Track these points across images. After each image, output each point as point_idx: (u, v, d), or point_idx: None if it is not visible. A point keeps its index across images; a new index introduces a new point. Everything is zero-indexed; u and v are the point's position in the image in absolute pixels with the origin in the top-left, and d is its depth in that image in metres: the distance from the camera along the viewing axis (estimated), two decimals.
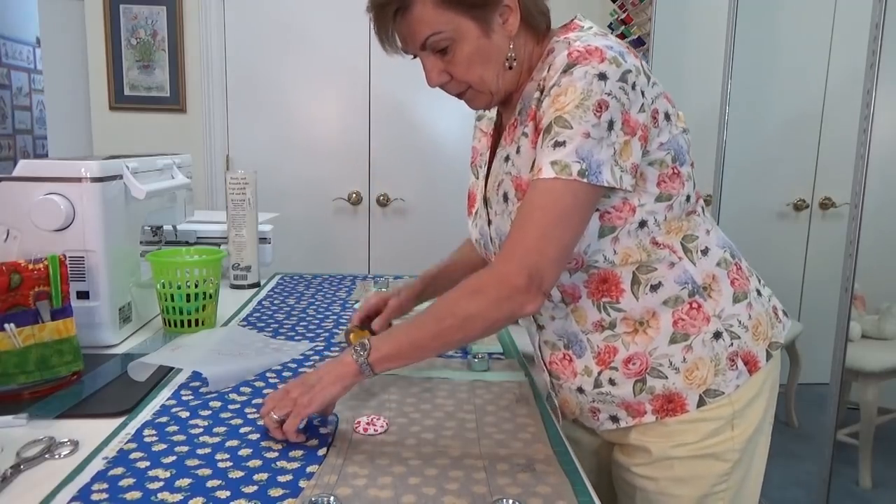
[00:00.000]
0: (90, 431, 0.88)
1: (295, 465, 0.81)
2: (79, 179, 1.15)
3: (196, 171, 2.43)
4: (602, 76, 0.83)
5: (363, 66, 3.02)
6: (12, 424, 0.90)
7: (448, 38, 0.89)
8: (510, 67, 0.92)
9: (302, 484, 0.76)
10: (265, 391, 1.04)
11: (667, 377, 0.93)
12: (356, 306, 1.55)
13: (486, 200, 1.02)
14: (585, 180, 0.82)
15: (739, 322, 0.96)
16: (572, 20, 0.97)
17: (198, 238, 1.82)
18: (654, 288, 0.93)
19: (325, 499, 0.71)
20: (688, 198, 0.95)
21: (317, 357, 1.20)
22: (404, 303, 1.19)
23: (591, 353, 0.96)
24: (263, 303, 1.57)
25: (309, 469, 0.79)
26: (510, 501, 0.72)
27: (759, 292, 1.00)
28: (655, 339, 0.93)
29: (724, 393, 0.94)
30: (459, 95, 0.96)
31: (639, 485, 0.98)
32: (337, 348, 1.25)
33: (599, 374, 0.96)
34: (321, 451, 0.84)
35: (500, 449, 0.86)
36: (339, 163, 3.09)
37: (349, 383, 0.88)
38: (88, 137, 3.01)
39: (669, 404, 0.94)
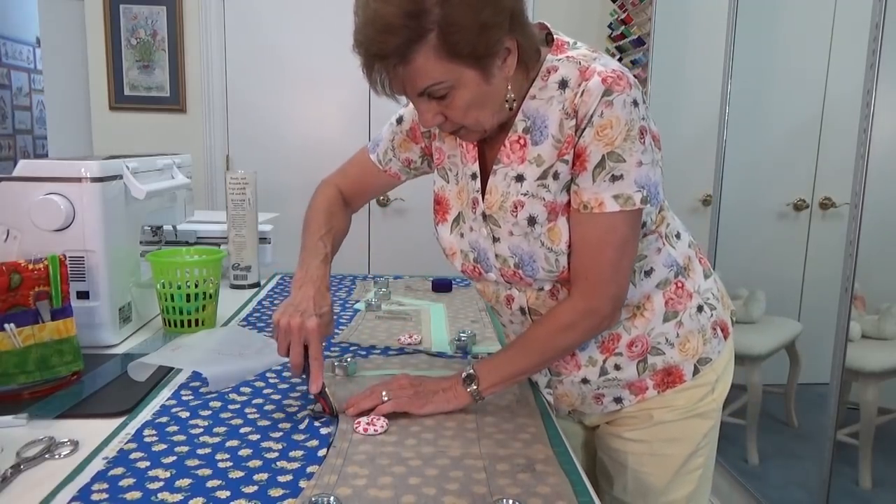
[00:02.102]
0: (90, 431, 0.88)
1: (295, 465, 0.81)
2: (79, 179, 1.15)
3: (196, 171, 2.43)
4: (635, 103, 0.88)
5: None
6: (12, 424, 0.90)
7: (448, 87, 0.86)
8: (510, 108, 0.92)
9: (302, 484, 0.76)
10: (265, 391, 1.04)
11: (664, 353, 1.02)
12: (357, 306, 1.55)
13: (485, 216, 1.00)
14: (649, 206, 0.90)
15: (713, 295, 1.07)
16: (554, 35, 0.96)
17: (198, 238, 1.82)
18: (648, 273, 1.00)
19: (325, 499, 0.71)
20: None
21: None
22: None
23: (594, 344, 1.01)
24: (263, 303, 1.57)
25: (309, 469, 0.79)
26: (510, 501, 0.72)
27: (712, 270, 1.11)
28: (651, 320, 1.01)
29: (711, 359, 1.05)
30: (452, 132, 0.96)
31: (630, 449, 1.06)
32: (337, 348, 1.25)
33: (605, 361, 1.02)
34: (321, 452, 0.84)
35: (500, 449, 0.86)
36: (339, 163, 3.07)
37: (459, 407, 0.97)
38: (88, 137, 3.01)
39: (668, 377, 1.03)
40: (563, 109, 0.91)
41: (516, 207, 0.95)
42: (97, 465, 0.79)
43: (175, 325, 1.32)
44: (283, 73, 3.01)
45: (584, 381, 1.04)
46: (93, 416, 0.93)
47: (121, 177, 1.24)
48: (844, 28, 3.16)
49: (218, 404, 0.98)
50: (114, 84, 2.95)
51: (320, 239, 1.09)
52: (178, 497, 0.73)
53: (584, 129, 0.88)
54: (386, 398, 0.94)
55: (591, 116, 0.87)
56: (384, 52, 0.83)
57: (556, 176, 0.93)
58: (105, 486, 0.74)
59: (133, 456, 0.81)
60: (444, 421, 0.94)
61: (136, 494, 0.73)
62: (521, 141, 0.95)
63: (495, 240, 0.99)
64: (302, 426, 0.92)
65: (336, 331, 1.36)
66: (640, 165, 0.88)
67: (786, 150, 3.30)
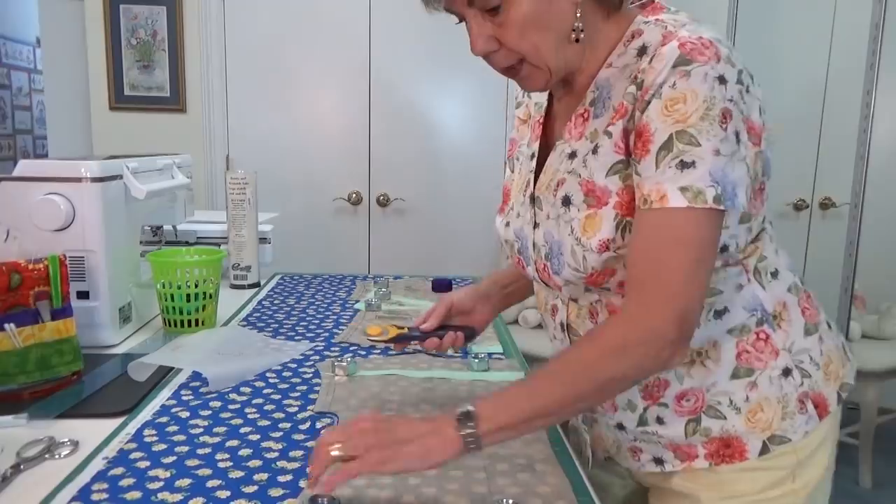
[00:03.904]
0: (90, 431, 0.88)
1: (295, 465, 0.81)
2: (79, 179, 1.15)
3: (196, 171, 2.43)
4: (722, 79, 0.71)
5: (364, 66, 3.02)
6: (12, 424, 0.90)
7: None
8: (577, 40, 0.76)
9: (302, 484, 0.76)
10: (265, 391, 1.04)
11: (726, 418, 0.81)
12: (357, 306, 1.55)
13: (533, 199, 0.87)
14: (722, 207, 0.70)
15: (811, 358, 0.84)
16: None
17: (198, 238, 1.82)
18: (719, 314, 0.81)
19: (325, 499, 0.71)
20: (763, 218, 0.84)
21: (317, 357, 1.20)
22: (462, 301, 1.01)
23: (636, 386, 0.83)
24: (263, 303, 1.57)
25: (309, 469, 0.79)
26: (510, 501, 0.72)
27: (828, 325, 0.88)
28: (715, 372, 0.81)
29: (790, 440, 0.82)
30: (509, 71, 0.80)
31: None
32: (337, 348, 1.25)
33: (645, 410, 0.83)
34: None
35: (500, 449, 0.86)
36: (339, 163, 3.09)
37: (441, 461, 0.69)
38: (88, 137, 3.01)
39: (727, 449, 0.82)
40: (630, 77, 0.76)
41: (559, 185, 0.82)
42: (97, 465, 0.79)
43: (175, 325, 1.32)
44: (284, 73, 3.01)
45: (620, 426, 0.86)
46: (93, 416, 0.93)
47: (121, 177, 1.24)
48: (844, 28, 3.16)
49: (218, 404, 0.98)
50: (114, 84, 2.95)
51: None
52: (178, 497, 0.73)
53: (650, 101, 0.72)
54: (336, 453, 0.67)
55: (661, 86, 0.71)
56: None
57: (595, 150, 0.79)
58: (105, 486, 0.75)
59: (133, 456, 0.81)
60: None
61: (136, 494, 0.73)
62: (585, 114, 0.81)
63: (536, 225, 0.86)
64: (302, 426, 0.92)
65: (336, 331, 1.36)
66: (717, 155, 0.70)
67: (786, 149, 3.30)
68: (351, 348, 1.26)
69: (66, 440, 0.85)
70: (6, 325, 0.98)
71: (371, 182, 3.11)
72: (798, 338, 0.83)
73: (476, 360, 1.15)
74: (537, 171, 0.88)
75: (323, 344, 1.28)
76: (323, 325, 1.40)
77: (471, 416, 0.69)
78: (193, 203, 1.75)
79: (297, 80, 3.03)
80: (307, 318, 1.45)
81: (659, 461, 0.86)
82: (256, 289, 1.71)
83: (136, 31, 2.93)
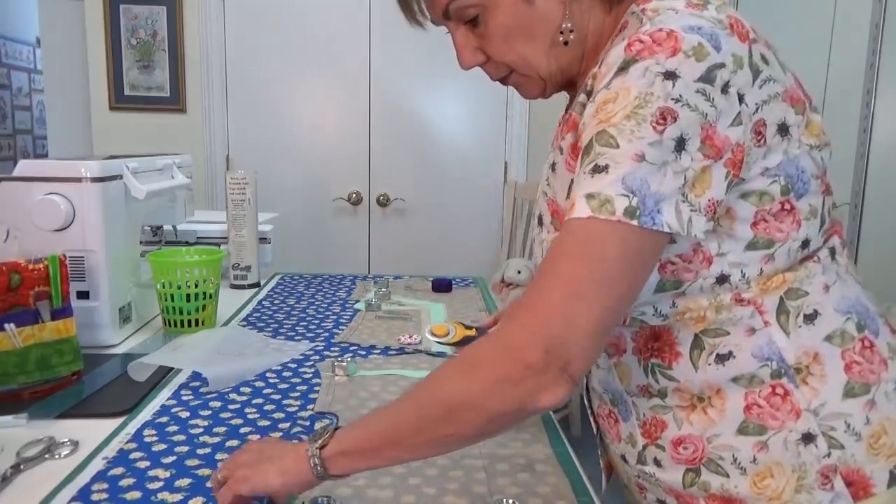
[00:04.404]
0: (90, 431, 0.88)
1: None
2: (79, 179, 1.15)
3: (196, 171, 2.43)
4: (670, 75, 0.59)
5: (363, 66, 3.02)
6: (12, 424, 0.90)
7: (476, 5, 0.70)
8: (565, 43, 0.70)
9: None
10: (265, 391, 1.04)
11: (727, 475, 0.69)
12: (357, 306, 1.55)
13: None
14: (636, 223, 0.58)
15: (848, 426, 0.67)
16: None
17: (198, 238, 1.82)
18: (722, 358, 0.69)
19: (325, 499, 0.71)
20: (804, 243, 0.69)
21: (317, 357, 1.20)
22: None
23: (636, 420, 0.75)
24: (263, 303, 1.57)
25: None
26: (510, 501, 0.72)
27: (877, 388, 0.70)
28: (718, 423, 0.69)
29: None
30: (504, 81, 0.77)
31: None
32: (337, 348, 1.25)
33: (644, 448, 0.75)
34: None
35: (500, 449, 0.86)
36: (339, 163, 3.09)
37: (298, 482, 0.65)
38: (88, 137, 3.01)
39: None
40: (586, 86, 0.68)
41: (535, 202, 0.80)
42: (97, 465, 0.79)
43: (175, 325, 1.32)
44: (284, 73, 3.01)
45: (623, 458, 0.78)
46: (93, 416, 0.93)
47: (121, 177, 1.24)
48: (844, 28, 3.16)
49: (218, 404, 0.98)
50: (114, 84, 2.95)
51: None
52: (178, 497, 0.73)
53: (588, 106, 0.65)
54: (221, 478, 0.68)
55: (600, 91, 0.63)
56: None
57: (553, 167, 0.74)
58: (105, 486, 0.75)
59: (133, 456, 0.82)
60: None
61: (136, 494, 0.73)
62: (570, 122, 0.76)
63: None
64: (302, 424, 0.92)
65: (336, 331, 1.36)
66: (640, 161, 0.58)
67: None
68: (351, 348, 1.26)
69: (66, 440, 0.85)
70: (6, 325, 0.98)
71: (371, 182, 3.11)
72: (832, 399, 0.68)
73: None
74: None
75: (323, 344, 1.28)
76: (323, 325, 1.40)
77: (322, 436, 0.65)
78: (193, 203, 1.75)
79: (297, 80, 3.03)
80: (307, 318, 1.45)
81: None
82: (256, 289, 1.71)
83: (136, 31, 2.94)
